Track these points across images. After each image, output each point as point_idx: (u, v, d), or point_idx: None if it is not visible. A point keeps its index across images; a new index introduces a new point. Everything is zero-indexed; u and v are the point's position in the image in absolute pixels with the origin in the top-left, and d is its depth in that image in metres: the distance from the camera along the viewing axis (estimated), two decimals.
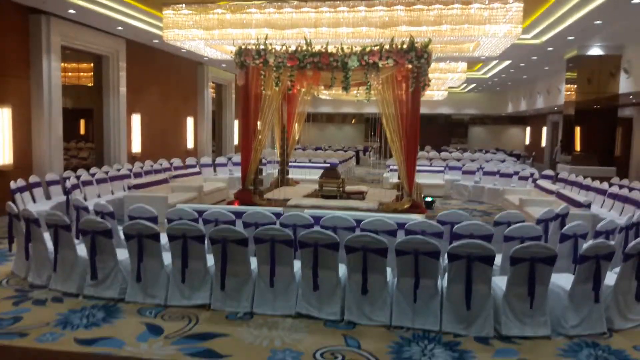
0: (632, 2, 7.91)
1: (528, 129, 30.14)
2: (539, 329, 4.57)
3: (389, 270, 4.92)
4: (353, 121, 31.98)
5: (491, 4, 8.57)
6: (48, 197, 9.47)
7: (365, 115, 31.06)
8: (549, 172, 12.98)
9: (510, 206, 10.79)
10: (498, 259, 5.26)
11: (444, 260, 5.29)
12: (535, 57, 14.08)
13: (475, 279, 4.51)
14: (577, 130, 13.07)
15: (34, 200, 8.98)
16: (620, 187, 9.58)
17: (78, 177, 9.62)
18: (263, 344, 4.42)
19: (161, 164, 12.85)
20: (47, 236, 5.87)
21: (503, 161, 18.26)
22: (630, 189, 9.10)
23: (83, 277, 5.58)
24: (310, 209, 8.42)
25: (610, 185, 9.93)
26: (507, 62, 15.43)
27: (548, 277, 4.52)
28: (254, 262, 5.23)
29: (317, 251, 4.84)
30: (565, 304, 4.64)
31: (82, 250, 5.66)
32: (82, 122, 20.38)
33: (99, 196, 9.87)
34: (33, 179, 9.14)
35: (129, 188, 9.75)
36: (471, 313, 4.59)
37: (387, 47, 8.52)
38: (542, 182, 11.38)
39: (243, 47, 9.01)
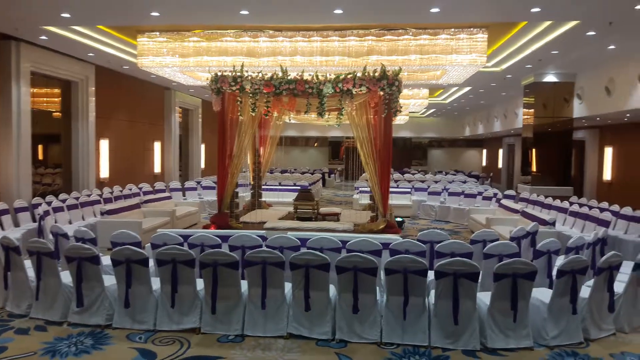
0: (587, 34, 8.52)
1: (484, 151, 31.27)
2: (522, 340, 4.81)
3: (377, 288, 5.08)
4: (315, 144, 32.36)
5: (457, 34, 9.05)
6: (17, 224, 9.23)
7: (329, 139, 31.51)
8: (511, 192, 13.55)
9: (477, 225, 11.19)
10: None
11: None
12: (494, 84, 14.77)
13: (461, 295, 4.74)
14: (535, 152, 13.73)
15: (2, 227, 8.74)
16: (580, 205, 10.13)
17: (49, 204, 9.43)
18: None
19: (130, 189, 12.71)
20: (27, 264, 5.77)
21: (465, 182, 18.87)
22: (590, 207, 9.64)
23: (67, 305, 5.49)
24: (287, 231, 8.56)
25: (571, 204, 10.47)
26: (468, 88, 16.10)
27: (529, 291, 4.79)
28: (243, 284, 5.29)
29: (308, 272, 4.96)
30: (544, 316, 4.92)
31: (66, 277, 5.59)
32: (39, 147, 19.91)
33: (70, 222, 9.70)
34: (1, 206, 8.91)
35: (102, 214, 9.61)
36: (458, 328, 4.80)
37: (360, 75, 8.84)
38: (506, 202, 11.88)
39: (219, 73, 9.14)
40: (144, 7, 7.49)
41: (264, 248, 5.38)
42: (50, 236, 8.45)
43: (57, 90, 12.15)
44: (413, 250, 5.62)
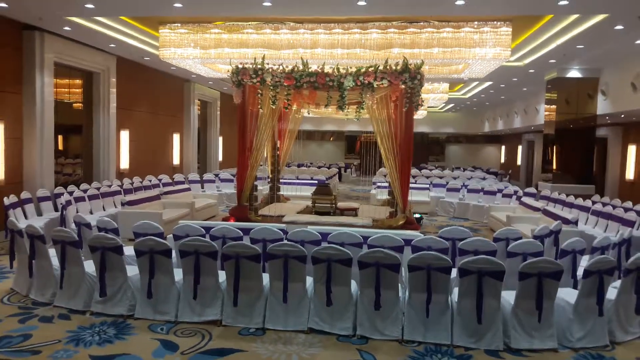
0: (615, 28, 8.33)
1: (503, 147, 30.90)
2: (547, 342, 4.74)
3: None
4: (331, 139, 32.27)
5: (481, 27, 8.91)
6: (39, 213, 9.35)
7: (345, 133, 31.41)
8: (532, 190, 13.36)
9: (497, 223, 11.07)
10: None
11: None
12: (516, 79, 14.55)
13: (486, 293, 4.67)
14: (557, 149, 13.51)
15: (25, 216, 8.86)
16: (604, 204, 9.94)
17: (71, 193, 9.54)
18: (281, 358, 4.48)
19: (150, 181, 12.81)
20: (51, 252, 5.84)
21: (484, 179, 18.67)
22: (614, 207, 9.46)
23: (90, 294, 5.55)
24: (306, 225, 8.54)
25: (594, 203, 10.29)
26: (489, 83, 15.90)
27: (555, 291, 4.71)
28: (265, 277, 5.29)
29: (330, 267, 4.94)
30: (570, 317, 4.84)
31: (89, 266, 5.64)
32: (59, 138, 20.15)
33: (91, 212, 9.81)
34: (25, 195, 9.03)
35: (123, 204, 9.69)
36: (481, 327, 4.74)
37: (381, 68, 8.77)
38: (526, 200, 11.72)
39: (240, 66, 9.13)
40: None
41: (287, 242, 5.35)
42: (73, 225, 8.63)
43: (78, 81, 12.25)
44: (435, 247, 5.55)
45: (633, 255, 6.60)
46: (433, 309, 4.81)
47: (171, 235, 6.37)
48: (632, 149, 15.01)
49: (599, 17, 7.92)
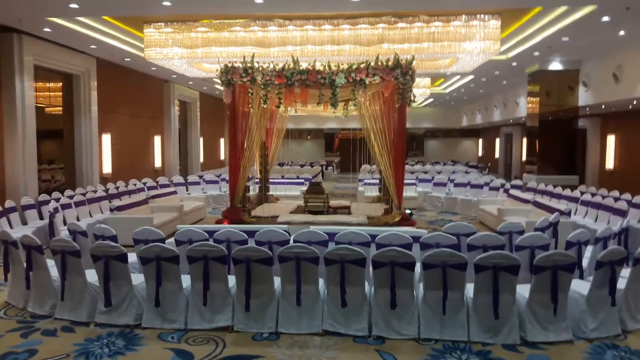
0: (602, 20, 8.46)
1: (480, 141, 31.31)
2: (562, 334, 4.76)
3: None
4: (308, 137, 32.19)
5: (470, 21, 8.94)
6: (24, 222, 9.04)
7: (324, 131, 31.36)
8: (518, 182, 13.53)
9: (488, 216, 11.17)
10: None
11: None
12: (498, 72, 14.71)
13: (501, 288, 4.67)
14: (540, 141, 13.72)
15: (10, 225, 8.55)
16: (592, 194, 10.11)
17: (57, 200, 9.25)
18: None
19: (135, 185, 12.53)
20: (49, 263, 5.63)
21: (467, 172, 18.85)
22: (603, 197, 9.63)
23: (93, 305, 5.36)
24: (302, 225, 8.46)
25: (582, 193, 10.45)
26: (470, 77, 16.03)
27: (569, 283, 4.73)
28: (276, 281, 5.19)
29: (344, 267, 4.87)
30: (583, 309, 4.87)
31: (91, 276, 5.45)
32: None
33: (77, 219, 9.51)
34: (8, 203, 8.71)
35: (112, 210, 9.44)
36: (498, 322, 4.73)
37: (373, 64, 8.72)
38: (514, 192, 11.86)
39: (229, 65, 8.97)
40: None
41: (297, 243, 5.25)
42: (63, 234, 8.36)
43: (54, 85, 11.89)
44: (444, 244, 5.53)
45: (632, 243, 6.76)
46: (449, 306, 4.79)
47: (172, 240, 6.21)
48: (611, 139, 15.36)
49: (587, 9, 8.04)
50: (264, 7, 7.84)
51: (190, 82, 16.95)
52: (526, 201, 10.69)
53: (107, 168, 13.04)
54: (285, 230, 6.11)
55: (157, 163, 16.47)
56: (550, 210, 9.30)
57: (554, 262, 4.65)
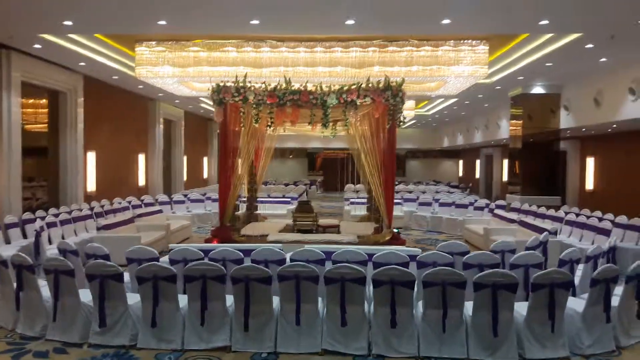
0: (586, 46, 8.75)
1: (461, 161, 31.77)
2: (559, 350, 4.83)
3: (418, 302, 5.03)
4: (291, 156, 32.26)
5: (459, 46, 9.16)
6: (7, 241, 8.82)
7: (307, 150, 31.47)
8: (502, 202, 13.74)
9: (474, 236, 11.28)
10: None
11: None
12: (481, 95, 15.02)
13: (500, 306, 4.72)
14: (523, 162, 13.99)
15: None
16: (577, 215, 10.32)
17: (42, 219, 9.07)
18: None
19: (120, 203, 12.38)
20: (40, 283, 5.51)
21: (452, 192, 19.08)
22: (587, 217, 9.84)
23: (87, 325, 5.26)
24: (292, 244, 8.45)
25: (566, 213, 10.66)
26: (454, 100, 16.33)
27: (565, 301, 4.82)
28: (274, 300, 5.16)
29: (344, 286, 4.88)
30: (578, 326, 4.95)
31: (85, 296, 5.35)
32: None
33: (63, 238, 9.33)
34: None
35: (98, 229, 9.28)
36: (496, 339, 4.77)
37: (364, 86, 8.85)
38: (499, 212, 12.03)
39: (222, 84, 9.00)
40: (151, 16, 7.32)
41: (299, 262, 5.22)
42: (47, 253, 8.19)
43: (37, 101, 11.74)
44: (441, 262, 5.58)
45: (618, 262, 6.91)
46: (448, 324, 4.82)
47: (165, 259, 6.14)
48: (590, 161, 15.76)
49: (573, 36, 8.31)
50: (260, 29, 7.93)
51: (177, 101, 16.92)
52: (512, 221, 10.85)
53: (91, 186, 12.86)
54: (280, 249, 6.10)
55: (141, 181, 16.30)
56: (537, 229, 9.45)
57: (552, 280, 4.73)
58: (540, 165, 13.88)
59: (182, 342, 5.07)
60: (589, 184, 15.73)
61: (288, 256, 5.92)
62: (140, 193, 15.38)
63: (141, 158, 16.29)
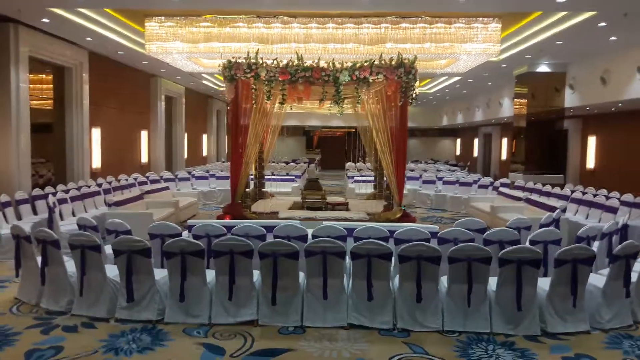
0: (598, 25, 8.74)
1: (459, 140, 31.83)
2: (579, 325, 4.95)
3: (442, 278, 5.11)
4: (285, 134, 32.15)
5: (472, 23, 9.11)
6: (18, 217, 8.83)
7: (305, 128, 31.39)
8: (506, 180, 13.84)
9: (480, 213, 11.38)
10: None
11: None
12: (486, 74, 14.99)
13: (524, 281, 4.82)
14: (527, 141, 14.07)
15: (6, 220, 8.34)
16: (583, 192, 10.44)
17: (54, 194, 9.07)
18: (332, 355, 4.45)
19: (127, 179, 12.36)
20: (65, 258, 5.55)
21: (453, 171, 19.18)
22: (594, 195, 9.95)
23: (113, 300, 5.31)
24: (304, 221, 8.50)
25: (572, 191, 10.78)
26: (457, 78, 16.28)
27: (587, 277, 4.92)
28: (300, 275, 5.23)
29: (370, 262, 4.95)
30: (598, 301, 5.07)
31: (110, 271, 5.40)
32: None
33: (73, 214, 9.36)
34: (4, 198, 8.51)
35: (110, 205, 9.29)
36: (519, 314, 4.89)
37: (376, 62, 8.81)
38: (504, 190, 12.13)
39: (233, 60, 8.93)
40: None
41: (326, 238, 5.24)
42: (63, 228, 8.22)
43: (42, 77, 11.60)
44: (462, 239, 5.67)
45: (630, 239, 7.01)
46: (473, 298, 4.91)
47: (185, 234, 6.17)
48: (591, 140, 15.83)
49: (587, 15, 8.28)
50: (272, 4, 7.84)
51: (178, 77, 16.78)
52: (518, 199, 10.95)
53: (96, 163, 12.82)
54: (301, 226, 6.15)
55: (144, 158, 16.24)
56: (544, 207, 9.56)
57: (574, 256, 4.82)
58: (542, 143, 13.98)
59: (210, 316, 5.14)
60: (590, 163, 15.83)
61: (310, 232, 5.97)
62: (143, 170, 15.35)
63: (144, 135, 16.20)
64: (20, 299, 5.82)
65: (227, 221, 6.88)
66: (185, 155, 20.20)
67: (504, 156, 23.01)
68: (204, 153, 23.85)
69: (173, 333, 4.92)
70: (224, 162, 24.24)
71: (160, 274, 5.37)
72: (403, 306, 5.03)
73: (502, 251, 4.86)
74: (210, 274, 5.26)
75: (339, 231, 5.87)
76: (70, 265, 5.54)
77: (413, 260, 4.89)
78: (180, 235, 5.80)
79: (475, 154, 27.63)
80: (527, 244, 5.85)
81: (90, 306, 5.33)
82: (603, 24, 8.66)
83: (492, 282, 5.04)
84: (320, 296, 5.04)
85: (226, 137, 28.01)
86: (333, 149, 33.22)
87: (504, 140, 22.85)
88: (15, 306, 5.65)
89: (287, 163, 22.38)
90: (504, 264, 4.83)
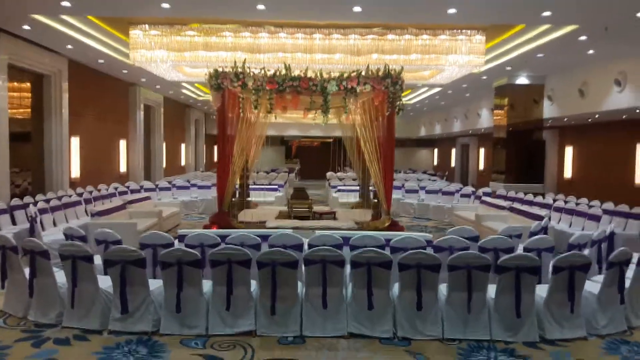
0: (579, 38, 8.98)
1: (436, 150, 32.22)
2: (577, 331, 5.01)
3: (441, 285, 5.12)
4: (266, 144, 32.05)
5: (457, 35, 9.26)
6: None
7: (284, 138, 31.33)
8: (487, 189, 14.04)
9: (464, 222, 11.47)
10: None
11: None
12: (465, 85, 15.23)
13: (523, 288, 4.86)
14: (507, 151, 14.32)
15: None
16: (565, 202, 10.64)
17: (35, 205, 8.81)
18: None
19: (107, 190, 12.11)
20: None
21: (434, 180, 19.38)
22: (577, 204, 10.16)
23: (105, 312, 5.16)
24: (292, 230, 8.44)
25: (554, 200, 10.98)
26: (437, 89, 16.50)
27: (583, 283, 4.99)
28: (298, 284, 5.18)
29: (370, 270, 4.93)
30: (594, 307, 5.15)
31: (103, 282, 5.25)
32: None
33: (54, 224, 9.12)
34: None
35: (92, 215, 9.07)
36: (518, 321, 4.92)
37: (364, 73, 8.86)
38: (487, 199, 12.30)
39: (220, 69, 8.87)
40: None
41: (325, 247, 5.20)
42: (44, 239, 7.97)
43: (25, 85, 11.31)
44: (458, 247, 5.70)
45: (616, 247, 7.16)
46: (473, 306, 4.93)
47: (178, 244, 6.06)
48: (569, 150, 16.23)
49: (568, 28, 8.51)
50: (266, 14, 7.83)
51: (158, 86, 16.57)
52: (502, 207, 11.10)
53: (75, 172, 12.52)
54: (297, 235, 6.11)
55: (122, 168, 15.95)
56: (529, 215, 9.73)
57: (571, 263, 4.89)
58: (521, 154, 14.25)
59: (207, 327, 5.04)
60: (568, 173, 16.21)
61: (306, 242, 5.93)
62: (122, 180, 15.06)
63: (122, 144, 15.92)
64: (6, 311, 5.61)
65: (220, 230, 6.78)
66: (164, 165, 19.92)
67: (481, 166, 23.38)
68: (182, 162, 23.57)
69: (170, 344, 4.80)
70: (202, 171, 23.98)
71: (154, 284, 5.25)
72: (403, 314, 5.01)
73: (501, 259, 4.90)
74: (207, 284, 5.17)
75: (335, 240, 5.84)
76: (60, 276, 5.37)
77: (413, 269, 4.89)
78: (172, 245, 5.70)
79: (453, 164, 28.00)
80: (521, 251, 5.92)
81: (81, 318, 5.17)
82: (584, 37, 8.91)
83: (491, 289, 5.07)
84: (320, 305, 4.99)
85: (204, 146, 27.79)
86: (311, 158, 33.26)
87: (482, 151, 23.24)
88: (2, 319, 5.44)
89: (267, 173, 22.25)
90: (502, 271, 4.87)
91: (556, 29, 8.74)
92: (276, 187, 15.28)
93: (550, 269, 5.06)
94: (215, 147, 31.55)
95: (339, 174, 22.85)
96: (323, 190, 20.22)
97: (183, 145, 23.69)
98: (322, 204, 15.12)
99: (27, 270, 5.44)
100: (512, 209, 10.56)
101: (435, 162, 32.12)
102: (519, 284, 4.85)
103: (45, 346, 4.73)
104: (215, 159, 31.52)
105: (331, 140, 32.58)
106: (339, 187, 15.34)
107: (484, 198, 12.52)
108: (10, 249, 5.48)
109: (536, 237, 6.12)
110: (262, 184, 15.68)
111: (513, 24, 9.05)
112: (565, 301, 4.94)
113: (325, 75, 8.84)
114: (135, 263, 4.99)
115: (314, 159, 32.97)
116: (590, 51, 10.20)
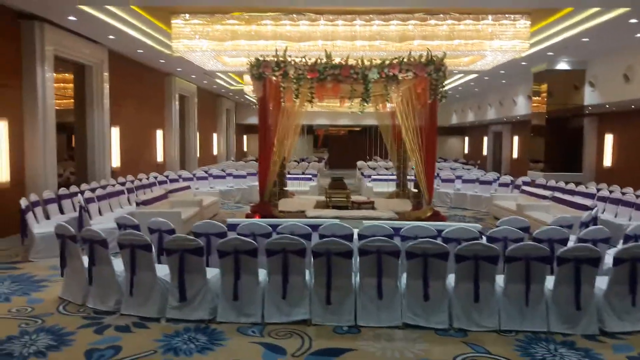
0: (629, 21, 8.70)
1: (467, 138, 31.78)
2: (637, 324, 4.91)
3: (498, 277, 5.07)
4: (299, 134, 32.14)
5: (500, 20, 9.06)
6: (47, 216, 8.77)
7: (313, 127, 31.33)
8: (526, 178, 13.80)
9: (504, 212, 11.33)
10: None
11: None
12: (503, 71, 14.94)
13: (583, 280, 4.78)
14: (546, 139, 14.03)
15: (36, 219, 8.28)
16: (610, 191, 10.40)
17: (82, 194, 9.01)
18: (395, 355, 4.41)
19: (148, 179, 12.32)
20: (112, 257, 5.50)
21: (469, 169, 19.16)
22: (623, 193, 9.91)
23: (163, 300, 5.26)
24: (331, 219, 8.44)
25: (598, 189, 10.74)
26: (473, 76, 16.24)
27: None
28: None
29: (426, 261, 4.90)
30: None
31: (160, 270, 5.35)
32: None
33: (100, 213, 9.32)
34: (34, 197, 8.44)
35: (138, 204, 9.24)
36: (577, 313, 4.84)
37: (406, 60, 8.74)
38: (528, 188, 12.10)
39: (261, 58, 8.86)
40: None
41: (380, 237, 5.18)
42: (96, 227, 8.15)
43: (67, 76, 11.52)
44: (512, 237, 5.63)
45: None
46: (530, 297, 4.87)
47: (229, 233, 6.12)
48: (608, 138, 15.77)
49: (619, 11, 8.24)
50: (306, 1, 7.78)
51: (193, 76, 16.71)
52: (543, 197, 10.91)
53: (115, 162, 12.76)
54: (347, 225, 6.10)
55: (160, 157, 16.19)
56: (573, 205, 9.55)
57: (633, 255, 4.79)
58: (560, 142, 13.94)
59: (262, 315, 5.10)
60: (607, 161, 15.80)
61: (355, 232, 5.93)
62: (159, 169, 15.30)
63: (159, 134, 16.14)
64: (65, 299, 5.77)
65: (269, 220, 6.82)
66: (198, 154, 20.14)
67: (515, 154, 22.98)
68: (215, 152, 23.79)
69: (228, 332, 4.87)
70: (233, 161, 24.18)
71: (210, 272, 5.32)
72: (459, 306, 4.98)
73: (560, 250, 4.82)
74: (262, 273, 5.22)
75: (386, 230, 5.83)
76: (117, 264, 5.49)
77: (470, 260, 4.85)
78: (226, 234, 5.76)
79: (485, 152, 27.57)
80: (574, 242, 5.82)
81: (139, 306, 5.28)
82: (634, 20, 8.62)
83: (550, 280, 4.99)
84: (375, 296, 5.00)
85: (234, 136, 27.98)
86: (338, 147, 33.21)
87: (516, 139, 22.81)
88: (62, 306, 5.60)
89: (297, 162, 22.31)
90: (562, 262, 4.79)
91: (605, 11, 8.48)
92: (310, 176, 15.29)
93: (611, 260, 4.94)
94: (245, 137, 31.86)
95: (369, 163, 22.77)
96: (354, 180, 20.16)
97: (215, 135, 23.90)
98: (356, 194, 15.09)
99: (85, 259, 5.58)
100: (554, 199, 10.36)
101: (466, 151, 31.71)
102: (578, 276, 4.76)
103: (108, 333, 4.85)
104: (245, 148, 31.82)
105: (358, 129, 32.50)
106: (373, 177, 15.25)
107: (524, 187, 12.31)
108: (70, 237, 5.62)
109: (591, 227, 5.99)
110: (297, 174, 15.71)
111: (559, 8, 8.81)
112: (627, 293, 4.84)
113: (366, 63, 8.76)
114: (193, 252, 5.07)
115: (342, 148, 32.92)
116: (638, 34, 9.87)
